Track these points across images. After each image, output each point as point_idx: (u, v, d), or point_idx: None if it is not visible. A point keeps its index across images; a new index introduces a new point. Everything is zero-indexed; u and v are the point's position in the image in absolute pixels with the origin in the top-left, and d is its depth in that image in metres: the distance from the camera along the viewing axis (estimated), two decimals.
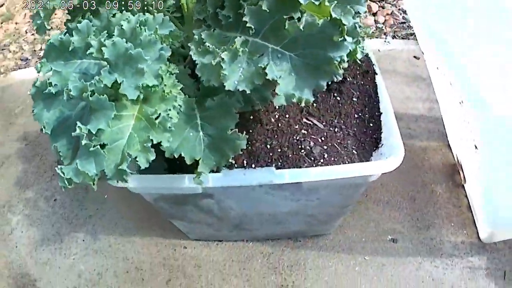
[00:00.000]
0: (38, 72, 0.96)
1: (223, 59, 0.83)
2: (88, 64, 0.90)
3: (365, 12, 0.92)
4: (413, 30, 2.31)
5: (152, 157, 0.83)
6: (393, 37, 2.25)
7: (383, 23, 2.32)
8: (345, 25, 0.82)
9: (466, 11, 1.20)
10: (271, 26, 0.87)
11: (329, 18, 0.82)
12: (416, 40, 2.27)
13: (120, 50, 0.82)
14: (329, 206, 1.35)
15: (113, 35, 0.87)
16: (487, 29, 1.13)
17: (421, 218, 1.68)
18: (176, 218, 1.39)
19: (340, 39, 0.82)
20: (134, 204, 1.77)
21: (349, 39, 0.84)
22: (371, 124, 1.26)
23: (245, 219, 1.35)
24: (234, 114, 0.95)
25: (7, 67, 2.54)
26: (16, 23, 2.79)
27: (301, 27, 0.81)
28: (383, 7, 2.42)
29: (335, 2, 0.87)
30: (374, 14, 2.37)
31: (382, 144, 1.23)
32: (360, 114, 1.26)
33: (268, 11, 0.83)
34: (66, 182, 0.86)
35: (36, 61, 2.54)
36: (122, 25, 0.87)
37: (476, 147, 1.30)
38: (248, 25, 0.84)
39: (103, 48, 0.81)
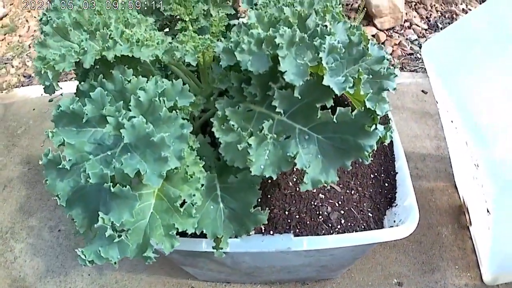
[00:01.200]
0: (50, 137, 0.91)
1: (250, 145, 0.81)
2: (103, 134, 0.86)
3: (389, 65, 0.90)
4: (421, 63, 2.30)
5: (177, 243, 0.80)
6: (401, 69, 2.23)
7: (391, 54, 2.31)
8: (378, 115, 0.80)
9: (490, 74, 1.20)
10: (300, 108, 0.85)
11: (363, 108, 0.80)
12: (424, 73, 2.26)
13: (140, 133, 0.77)
14: (341, 259, 1.34)
15: (130, 105, 0.84)
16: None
17: (426, 261, 1.68)
18: (188, 266, 1.37)
19: (372, 128, 0.81)
20: None
21: (380, 127, 0.83)
22: (386, 184, 1.25)
23: (256, 270, 1.33)
24: (257, 190, 0.92)
25: (10, 83, 2.48)
26: (19, 36, 2.72)
27: (334, 118, 0.79)
28: (391, 36, 2.40)
29: (369, 77, 0.85)
30: (382, 44, 2.35)
31: (397, 204, 1.22)
32: (376, 174, 1.24)
33: (299, 97, 0.80)
34: (88, 263, 0.83)
35: None
36: (139, 96, 0.83)
37: (488, 211, 1.30)
38: (278, 110, 0.82)
39: (122, 130, 0.77)
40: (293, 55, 0.78)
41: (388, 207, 1.23)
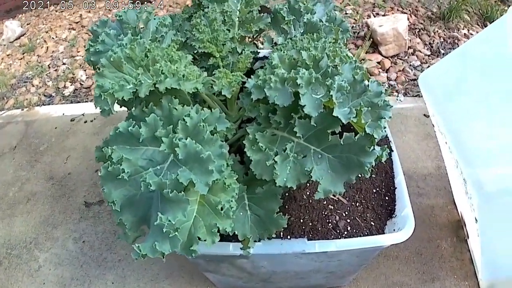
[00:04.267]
0: (109, 154, 1.19)
1: (276, 162, 1.10)
2: (153, 152, 1.14)
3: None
4: None
5: (217, 239, 1.09)
6: (404, 94, 2.54)
7: (395, 80, 2.62)
8: (375, 138, 1.10)
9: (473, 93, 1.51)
10: (315, 133, 1.14)
11: (363, 133, 1.10)
12: None
13: (190, 151, 1.05)
14: (347, 265, 1.61)
15: (177, 129, 1.13)
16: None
17: (427, 271, 1.95)
18: (210, 272, 1.64)
19: (371, 149, 1.10)
20: None
21: (377, 148, 1.12)
22: (387, 198, 1.54)
23: (273, 275, 1.60)
24: (279, 199, 1.21)
25: (31, 101, 2.79)
26: (38, 56, 3.04)
27: (341, 141, 1.09)
28: (395, 63, 2.73)
29: (368, 108, 1.15)
30: (387, 71, 2.67)
31: (396, 215, 1.50)
32: (378, 188, 1.53)
33: (315, 125, 1.10)
34: (141, 257, 1.11)
35: (61, 99, 2.79)
36: (186, 122, 1.13)
37: (476, 219, 1.58)
38: (297, 134, 1.12)
39: (176, 149, 1.06)
40: (310, 92, 1.08)
41: (389, 218, 1.50)
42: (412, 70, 2.70)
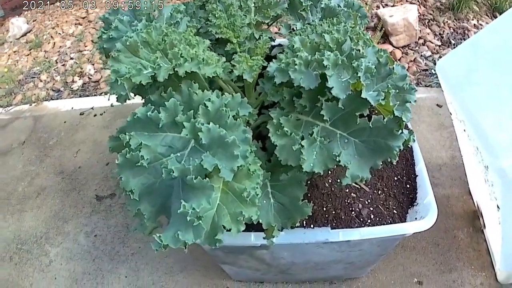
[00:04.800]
0: (127, 141, 1.14)
1: (303, 146, 1.06)
2: (173, 138, 1.09)
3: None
4: (435, 78, 2.57)
5: (243, 228, 1.04)
6: (417, 84, 2.50)
7: (407, 70, 2.57)
8: (404, 121, 1.06)
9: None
10: (341, 116, 1.10)
11: (392, 116, 1.06)
12: (438, 87, 2.53)
13: (214, 136, 1.01)
14: (368, 255, 1.57)
15: (198, 114, 1.09)
16: None
17: (444, 262, 1.91)
18: (228, 264, 1.60)
19: (399, 132, 1.06)
20: None
21: (405, 131, 1.08)
22: (408, 186, 1.49)
23: (292, 266, 1.56)
24: (304, 186, 1.16)
25: (39, 96, 2.75)
26: (45, 51, 3.00)
27: (370, 124, 1.04)
28: (406, 53, 2.68)
29: (395, 91, 1.11)
30: (398, 61, 2.62)
31: (417, 203, 1.46)
32: (399, 176, 1.49)
33: (342, 108, 1.06)
34: (162, 247, 1.06)
35: (69, 93, 2.75)
36: (207, 106, 1.08)
37: (498, 207, 1.54)
38: (324, 118, 1.07)
39: (199, 133, 1.01)
40: (337, 74, 1.03)
41: (410, 206, 1.46)
42: (423, 60, 2.66)
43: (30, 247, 2.12)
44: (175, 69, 1.11)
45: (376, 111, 1.51)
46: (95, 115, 2.58)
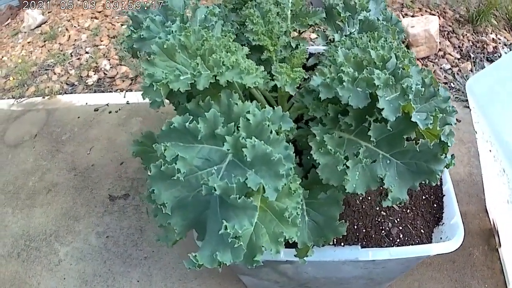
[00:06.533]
0: (162, 152, 1.08)
1: (348, 167, 1.01)
2: (210, 150, 1.03)
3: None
4: (455, 92, 2.53)
5: (282, 249, 0.99)
6: None
7: None
8: (449, 146, 1.02)
9: None
10: (387, 137, 1.05)
11: (438, 140, 1.02)
12: (457, 102, 2.49)
13: (259, 152, 0.95)
14: (390, 272, 1.53)
15: (239, 127, 1.03)
16: None
17: (459, 279, 1.87)
18: (248, 275, 1.55)
19: (442, 156, 1.02)
20: (194, 250, 1.92)
21: (448, 156, 1.05)
22: (435, 205, 1.46)
23: (313, 280, 1.51)
24: (341, 205, 1.12)
25: (52, 89, 2.67)
26: (59, 44, 2.92)
27: (417, 148, 1.00)
28: (426, 65, 2.64)
29: (442, 115, 1.06)
30: None
31: (443, 223, 1.42)
32: (427, 195, 1.45)
33: (390, 129, 1.01)
34: (197, 267, 1.01)
35: (84, 88, 2.68)
36: (248, 119, 1.02)
37: None
38: (371, 139, 1.02)
39: (244, 149, 0.95)
40: (387, 95, 0.99)
41: (436, 225, 1.43)
42: (442, 73, 2.61)
43: (39, 244, 2.06)
44: (216, 78, 1.05)
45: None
46: (110, 112, 2.51)
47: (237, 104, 1.07)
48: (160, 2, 1.45)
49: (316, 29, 1.49)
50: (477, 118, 1.70)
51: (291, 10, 1.43)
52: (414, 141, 1.02)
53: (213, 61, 1.09)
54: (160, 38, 1.25)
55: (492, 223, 2.06)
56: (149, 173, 1.04)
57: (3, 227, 2.15)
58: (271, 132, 1.03)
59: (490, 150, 1.74)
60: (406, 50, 1.15)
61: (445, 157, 1.04)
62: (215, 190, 0.95)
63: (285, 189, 1.04)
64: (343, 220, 1.10)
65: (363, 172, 1.04)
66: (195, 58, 1.11)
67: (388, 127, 1.01)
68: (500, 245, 1.94)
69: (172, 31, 1.24)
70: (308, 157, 1.20)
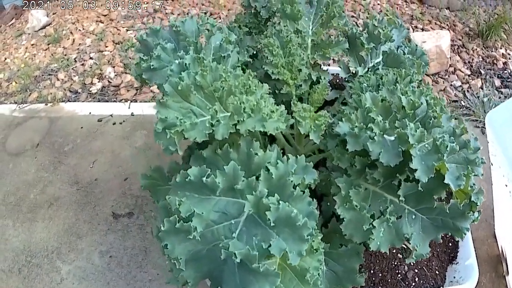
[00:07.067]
0: (177, 207, 0.97)
1: (374, 226, 0.93)
2: (227, 203, 0.93)
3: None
4: (465, 110, 2.43)
5: None
6: None
7: None
8: (477, 205, 0.95)
9: None
10: (415, 194, 0.97)
11: (468, 201, 0.94)
12: (468, 121, 2.39)
13: (282, 215, 0.86)
14: None
15: (260, 180, 0.94)
16: None
17: None
18: None
19: (470, 214, 0.95)
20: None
21: (476, 213, 0.97)
22: (450, 244, 1.41)
23: None
24: (361, 258, 1.04)
25: (55, 96, 2.56)
26: (63, 48, 2.79)
27: (447, 209, 0.92)
28: (436, 82, 2.54)
29: (473, 174, 0.98)
30: None
31: (458, 262, 1.37)
32: (442, 235, 1.38)
33: (421, 189, 0.92)
34: None
35: (87, 96, 2.56)
36: (271, 173, 0.93)
37: None
38: (401, 198, 0.94)
39: (267, 212, 0.87)
40: (421, 154, 0.90)
41: (450, 263, 1.38)
42: (453, 90, 2.52)
43: (41, 261, 1.97)
44: (237, 127, 0.95)
45: None
46: (114, 124, 2.40)
47: (257, 154, 0.97)
48: (171, 25, 1.34)
49: (337, 59, 1.39)
50: (495, 151, 1.62)
51: (312, 40, 1.32)
52: (443, 201, 0.94)
53: (233, 107, 0.98)
54: (172, 70, 1.15)
55: (500, 249, 1.98)
56: (162, 228, 0.96)
57: (3, 241, 2.06)
58: (294, 187, 0.94)
59: (506, 185, 1.67)
60: (441, 98, 1.05)
61: (473, 214, 0.98)
62: (236, 256, 0.86)
63: (307, 248, 0.95)
64: (363, 271, 1.02)
65: (388, 230, 0.96)
66: (212, 100, 1.01)
67: (419, 188, 0.92)
68: (508, 273, 1.87)
69: (186, 64, 1.14)
70: (328, 204, 1.12)
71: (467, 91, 2.56)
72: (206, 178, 0.94)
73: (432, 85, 2.51)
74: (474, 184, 1.02)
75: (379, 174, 0.97)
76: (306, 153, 1.22)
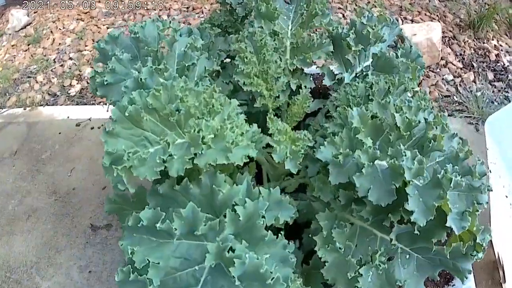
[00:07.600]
0: (130, 255, 0.77)
1: (361, 274, 0.72)
2: (189, 246, 0.74)
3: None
4: (457, 105, 2.22)
5: None
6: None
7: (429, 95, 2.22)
8: (483, 246, 0.75)
9: None
10: (410, 233, 0.76)
11: (472, 242, 0.74)
12: (461, 118, 2.18)
13: (249, 269, 0.67)
14: None
15: (225, 222, 0.74)
16: None
17: None
18: None
19: (473, 255, 0.75)
20: None
21: (480, 254, 0.78)
22: None
23: None
24: None
25: (34, 99, 2.32)
26: (43, 48, 2.54)
27: (448, 253, 0.72)
28: (428, 76, 2.32)
29: (471, 195, 0.79)
30: (419, 85, 2.26)
31: (454, 285, 1.21)
32: None
33: (418, 234, 0.71)
34: None
35: (65, 99, 2.33)
36: (237, 214, 0.72)
37: None
38: (393, 242, 0.73)
39: (231, 269, 0.67)
40: (419, 191, 0.69)
41: (446, 285, 1.21)
42: (445, 85, 2.30)
43: (20, 277, 1.77)
44: (194, 161, 0.74)
45: None
46: (92, 128, 2.17)
47: (222, 192, 0.76)
48: (130, 31, 1.11)
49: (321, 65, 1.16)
50: (495, 159, 1.42)
51: (291, 42, 1.09)
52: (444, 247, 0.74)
53: (190, 137, 0.77)
54: (126, 87, 0.93)
55: (497, 256, 1.81)
56: (116, 279, 0.77)
57: None
58: (266, 228, 0.73)
59: (506, 196, 1.49)
60: (442, 115, 0.84)
61: (476, 255, 0.78)
62: None
63: None
64: None
65: (377, 276, 0.75)
66: (168, 125, 0.80)
67: (416, 232, 0.71)
68: (504, 281, 1.70)
69: (141, 79, 0.92)
70: (310, 235, 0.91)
71: (460, 85, 2.34)
72: (161, 224, 0.74)
73: (423, 79, 2.29)
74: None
75: (368, 212, 0.76)
76: (285, 174, 1.00)
